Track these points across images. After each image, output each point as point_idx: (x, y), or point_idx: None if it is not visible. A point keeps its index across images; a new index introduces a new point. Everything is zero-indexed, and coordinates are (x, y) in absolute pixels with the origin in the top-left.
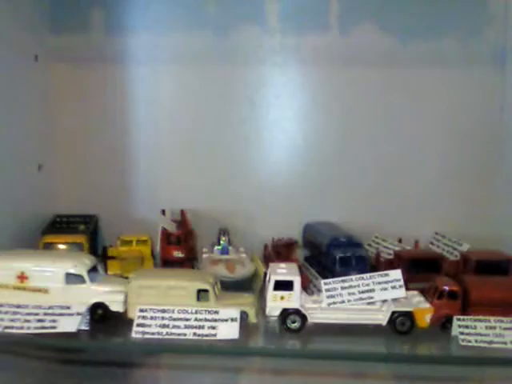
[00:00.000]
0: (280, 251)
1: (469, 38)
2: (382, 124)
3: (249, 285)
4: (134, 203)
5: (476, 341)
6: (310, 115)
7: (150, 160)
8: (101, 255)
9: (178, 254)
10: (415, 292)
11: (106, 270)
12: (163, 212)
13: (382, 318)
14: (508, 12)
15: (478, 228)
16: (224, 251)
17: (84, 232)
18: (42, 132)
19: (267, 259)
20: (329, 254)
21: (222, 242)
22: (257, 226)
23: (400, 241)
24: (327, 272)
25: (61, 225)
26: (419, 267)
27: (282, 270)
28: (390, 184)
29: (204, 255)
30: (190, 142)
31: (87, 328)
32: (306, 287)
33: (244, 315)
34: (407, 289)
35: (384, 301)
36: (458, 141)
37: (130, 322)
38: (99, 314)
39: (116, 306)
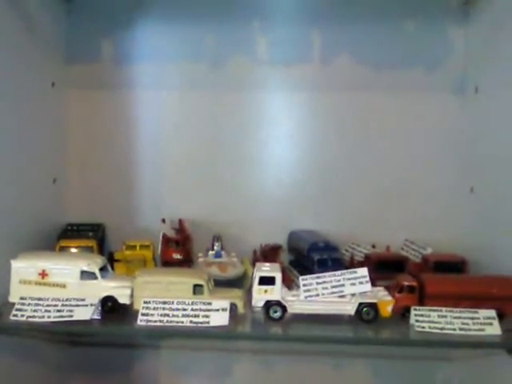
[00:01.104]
0: (267, 255)
1: (432, 67)
2: (357, 144)
3: (239, 283)
4: (138, 213)
5: (429, 327)
6: (296, 136)
7: (153, 175)
8: (108, 259)
9: (176, 256)
10: (381, 288)
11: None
12: (163, 221)
13: (351, 309)
14: (467, 44)
15: (442, 235)
16: (217, 255)
17: (93, 237)
18: (56, 149)
19: (256, 262)
20: (309, 257)
21: (215, 247)
22: (248, 234)
23: (373, 246)
24: (307, 273)
25: (72, 232)
26: (386, 267)
27: (266, 268)
28: (366, 198)
29: (199, 259)
30: (189, 159)
31: (99, 317)
32: (289, 286)
33: (233, 306)
34: (375, 285)
35: (353, 294)
36: (423, 161)
37: (136, 313)
38: (109, 306)
39: (124, 299)
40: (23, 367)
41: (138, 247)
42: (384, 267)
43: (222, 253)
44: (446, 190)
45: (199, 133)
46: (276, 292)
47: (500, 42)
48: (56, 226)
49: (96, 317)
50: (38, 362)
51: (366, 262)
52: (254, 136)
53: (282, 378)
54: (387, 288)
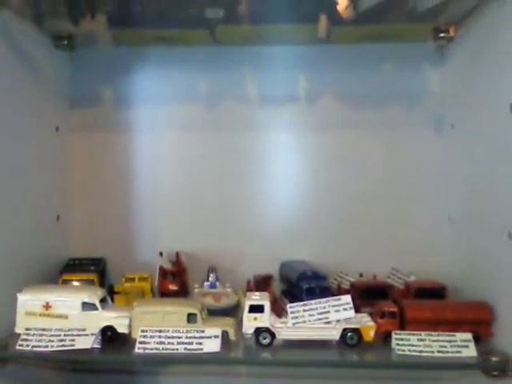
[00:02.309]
0: (259, 284)
1: (411, 106)
2: (343, 179)
3: (232, 313)
4: (137, 248)
5: (409, 350)
6: (285, 172)
7: (151, 211)
8: (108, 291)
9: (173, 287)
10: (364, 314)
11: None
12: (161, 254)
13: (336, 334)
14: (443, 84)
15: (424, 263)
16: (212, 286)
17: (95, 271)
18: (60, 188)
19: (248, 292)
20: (298, 286)
21: (210, 278)
22: (241, 265)
23: (361, 275)
24: (297, 301)
25: (74, 266)
26: (370, 294)
27: (256, 297)
28: (354, 230)
29: (195, 290)
30: (186, 196)
31: (99, 346)
32: (280, 314)
33: (225, 334)
34: (359, 312)
35: (337, 320)
36: (405, 193)
37: (134, 341)
38: (108, 335)
39: (122, 329)
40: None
41: (136, 279)
42: (369, 294)
43: (217, 283)
44: (427, 220)
45: (194, 171)
46: (265, 319)
47: (473, 82)
48: (59, 260)
49: (96, 346)
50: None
51: (352, 289)
52: (246, 173)
53: None
54: (370, 314)
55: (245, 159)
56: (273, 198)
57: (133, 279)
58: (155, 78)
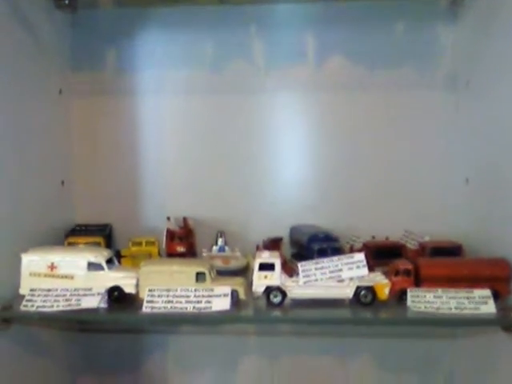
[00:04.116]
0: (269, 247)
1: (424, 65)
2: (354, 141)
3: (242, 275)
4: (144, 214)
5: (425, 307)
6: (294, 135)
7: (158, 176)
8: (115, 256)
9: (180, 249)
10: (378, 273)
11: None
12: (168, 218)
13: (349, 292)
14: (457, 41)
15: (439, 226)
16: (221, 250)
17: (101, 235)
18: (64, 153)
19: None
20: (309, 248)
21: (219, 242)
22: (250, 231)
23: (373, 238)
24: None
25: (80, 231)
26: (383, 254)
27: (266, 255)
28: (366, 193)
29: (203, 254)
30: (192, 159)
31: (105, 306)
32: (291, 276)
33: (235, 293)
34: (373, 272)
35: (350, 279)
36: (419, 155)
37: (142, 301)
38: (115, 296)
39: (129, 288)
40: (34, 354)
41: (143, 243)
42: (382, 254)
43: (226, 248)
44: (443, 183)
45: (201, 135)
46: (276, 277)
47: (488, 37)
48: (65, 226)
49: (103, 305)
50: (48, 349)
51: (365, 249)
52: (253, 136)
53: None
54: (384, 273)
55: (252, 123)
56: (282, 163)
57: (140, 243)
58: (159, 40)
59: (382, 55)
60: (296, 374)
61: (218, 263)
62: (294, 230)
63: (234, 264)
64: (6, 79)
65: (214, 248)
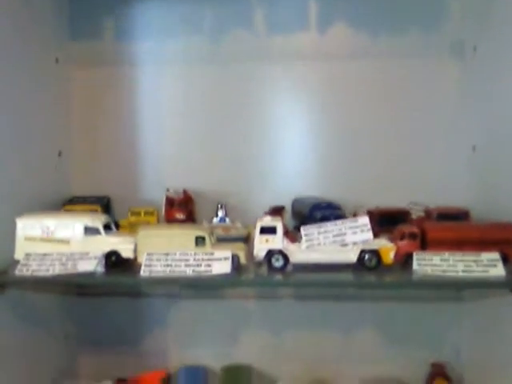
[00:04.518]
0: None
1: (429, 31)
2: (357, 111)
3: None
4: (143, 186)
5: (432, 270)
6: (296, 104)
7: (157, 148)
8: None
9: (180, 216)
10: (383, 238)
11: None
12: (168, 190)
13: (353, 257)
14: (464, 5)
15: (446, 195)
16: (221, 221)
17: (98, 203)
18: (62, 123)
19: None
20: (311, 216)
21: (219, 213)
22: (251, 204)
23: (378, 207)
24: None
25: (78, 202)
26: (388, 221)
27: (267, 219)
28: (370, 164)
29: (204, 224)
30: (192, 130)
31: (103, 270)
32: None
33: (235, 258)
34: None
35: (354, 243)
36: (425, 123)
37: (140, 266)
38: (113, 260)
39: (127, 253)
40: (30, 320)
41: (142, 213)
42: (386, 221)
43: (227, 219)
44: (449, 150)
45: (200, 105)
46: (277, 241)
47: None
48: (62, 197)
49: (100, 269)
50: (45, 314)
51: (369, 216)
52: (254, 106)
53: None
54: (389, 240)
55: (253, 93)
56: (283, 134)
57: (138, 213)
58: (158, 8)
59: (385, 22)
60: (299, 342)
61: (219, 232)
62: (296, 202)
63: (235, 232)
64: (0, 46)
65: (215, 220)
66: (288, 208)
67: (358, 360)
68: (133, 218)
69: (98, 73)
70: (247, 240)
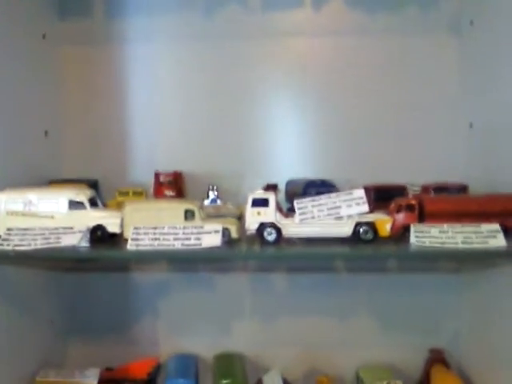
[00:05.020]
0: None
1: (425, 7)
2: (354, 88)
3: None
4: (132, 170)
5: (430, 242)
6: (290, 82)
7: (147, 130)
8: None
9: (169, 192)
10: (379, 213)
11: None
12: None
13: (348, 230)
14: None
15: (443, 173)
16: (213, 202)
17: (86, 184)
18: (48, 102)
19: None
20: (305, 194)
21: (210, 195)
22: (242, 187)
23: None
24: None
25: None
26: (384, 196)
27: (259, 192)
28: (366, 143)
29: None
30: (184, 112)
31: (87, 245)
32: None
33: (226, 231)
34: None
35: (349, 216)
36: (421, 101)
37: (127, 241)
38: (98, 235)
39: (113, 228)
40: (13, 296)
41: (130, 194)
42: (382, 197)
43: (218, 201)
44: (446, 128)
45: (192, 84)
46: (270, 214)
47: None
48: (49, 181)
49: (84, 244)
50: (29, 291)
51: (365, 192)
52: (247, 85)
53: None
54: (386, 214)
55: (247, 71)
56: (277, 115)
57: (127, 193)
58: None
59: None
60: (293, 330)
61: (209, 210)
62: (289, 184)
63: (226, 211)
64: None
65: (206, 201)
66: (282, 189)
67: (354, 347)
68: (120, 198)
69: (88, 50)
70: (239, 220)
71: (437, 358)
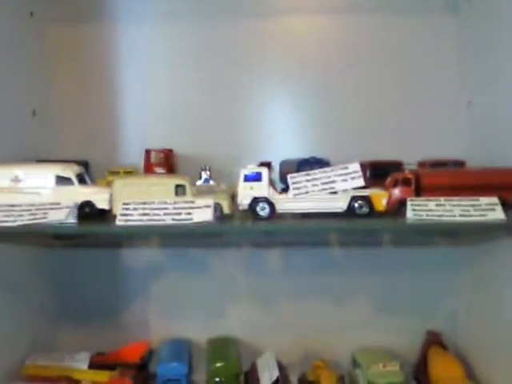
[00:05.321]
0: None
1: None
2: (352, 65)
3: None
4: (123, 151)
5: (427, 215)
6: (283, 60)
7: (138, 110)
8: None
9: (159, 170)
10: (375, 189)
11: None
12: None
13: (343, 204)
14: None
15: (440, 151)
16: (206, 182)
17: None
18: (36, 81)
19: None
20: (299, 172)
21: (203, 175)
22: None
23: None
24: None
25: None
26: (380, 173)
27: (251, 167)
28: (362, 120)
29: None
30: (176, 92)
31: (75, 221)
32: None
33: (218, 207)
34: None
35: (344, 191)
36: (420, 78)
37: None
38: (86, 212)
39: (102, 204)
40: (4, 281)
41: (121, 173)
42: (379, 173)
43: (211, 181)
44: (444, 106)
45: (186, 63)
46: (263, 188)
47: None
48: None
49: (72, 220)
50: (20, 274)
51: (361, 168)
52: (241, 64)
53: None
54: (382, 189)
55: (240, 50)
56: (272, 94)
57: (117, 173)
58: None
59: None
60: (288, 313)
61: (202, 189)
62: (283, 164)
63: (219, 189)
64: None
65: (199, 182)
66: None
67: (350, 330)
68: (111, 178)
69: (77, 29)
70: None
71: (434, 340)
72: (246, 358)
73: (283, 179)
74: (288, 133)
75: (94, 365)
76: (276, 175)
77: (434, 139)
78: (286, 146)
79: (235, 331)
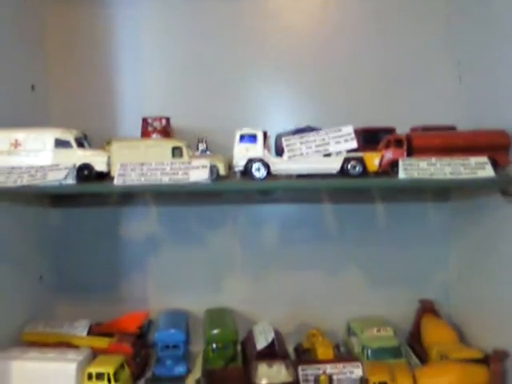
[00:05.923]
0: None
1: None
2: (344, 38)
3: None
4: (121, 124)
5: (418, 174)
6: (281, 35)
7: (136, 82)
8: None
9: (157, 137)
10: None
11: None
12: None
13: (336, 165)
14: None
15: (431, 117)
16: (203, 153)
17: None
18: (34, 57)
19: None
20: None
21: (200, 147)
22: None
23: None
24: None
25: None
26: (372, 139)
27: (247, 128)
28: (355, 93)
29: None
30: (173, 65)
31: (74, 181)
32: None
33: (214, 168)
34: None
35: (338, 153)
36: (411, 54)
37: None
38: (85, 174)
39: (100, 166)
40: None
41: None
42: (371, 139)
43: (208, 152)
44: (436, 81)
45: (182, 38)
46: (258, 149)
47: None
48: None
49: (71, 181)
50: (19, 241)
51: (355, 135)
52: (239, 38)
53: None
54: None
55: (239, 23)
56: (269, 68)
57: None
58: None
59: None
60: (283, 285)
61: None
62: (278, 137)
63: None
64: None
65: (196, 153)
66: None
67: (344, 300)
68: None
69: (74, 4)
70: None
71: (427, 308)
72: (242, 328)
73: (279, 152)
74: (285, 107)
75: (93, 334)
76: (272, 150)
77: (426, 103)
78: (282, 119)
79: (232, 303)
